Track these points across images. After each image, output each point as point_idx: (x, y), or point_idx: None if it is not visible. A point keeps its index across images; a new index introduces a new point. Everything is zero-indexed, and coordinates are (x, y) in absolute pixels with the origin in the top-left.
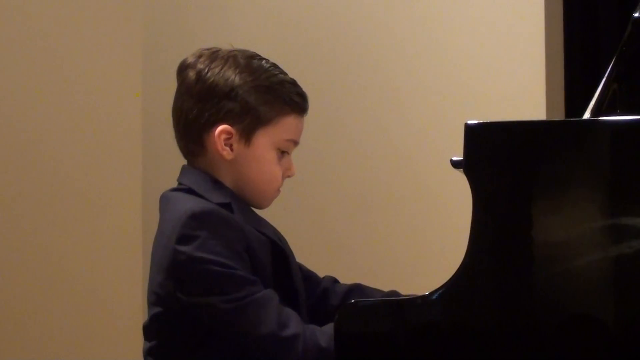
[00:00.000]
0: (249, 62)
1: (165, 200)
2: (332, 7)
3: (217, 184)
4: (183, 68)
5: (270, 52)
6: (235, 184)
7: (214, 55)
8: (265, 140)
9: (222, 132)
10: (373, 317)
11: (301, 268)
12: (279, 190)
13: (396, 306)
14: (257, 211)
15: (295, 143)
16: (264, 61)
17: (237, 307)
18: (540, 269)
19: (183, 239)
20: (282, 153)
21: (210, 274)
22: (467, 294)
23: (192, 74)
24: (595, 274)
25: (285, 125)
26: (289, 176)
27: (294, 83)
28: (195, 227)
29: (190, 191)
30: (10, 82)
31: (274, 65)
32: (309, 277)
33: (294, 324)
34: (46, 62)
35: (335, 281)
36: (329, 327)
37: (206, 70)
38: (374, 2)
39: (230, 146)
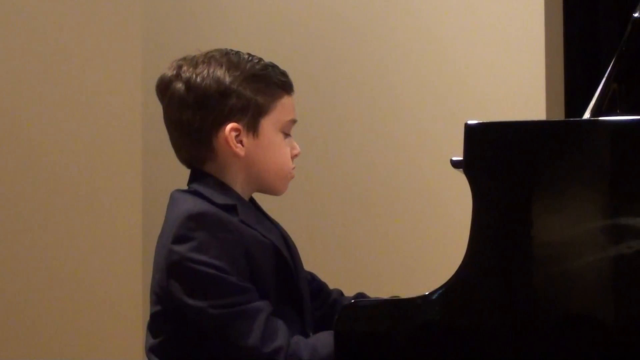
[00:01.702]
0: (229, 58)
1: (171, 200)
2: (332, 7)
3: (224, 186)
4: (166, 84)
5: (270, 52)
6: (249, 179)
7: (193, 61)
8: (270, 127)
9: (231, 130)
10: (373, 317)
11: (314, 278)
12: (292, 173)
13: (396, 306)
14: (267, 211)
15: (294, 121)
16: (240, 54)
17: (224, 315)
18: (540, 269)
19: (179, 239)
20: (285, 135)
21: (201, 276)
22: (467, 294)
23: (180, 86)
24: (595, 274)
25: (283, 107)
26: (296, 155)
27: (274, 65)
28: (192, 228)
29: (196, 193)
30: (10, 83)
31: (250, 55)
32: (320, 288)
33: (279, 338)
34: (46, 62)
35: (342, 294)
36: (315, 339)
37: (194, 77)
38: (374, 2)
39: (241, 142)
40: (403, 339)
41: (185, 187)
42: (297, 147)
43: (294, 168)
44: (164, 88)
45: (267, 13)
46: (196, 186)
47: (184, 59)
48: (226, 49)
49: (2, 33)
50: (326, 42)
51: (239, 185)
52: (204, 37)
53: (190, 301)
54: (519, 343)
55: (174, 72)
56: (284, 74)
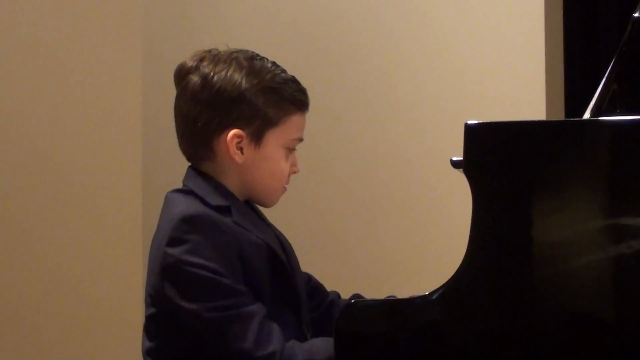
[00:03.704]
0: (252, 64)
1: (166, 202)
2: (332, 7)
3: (219, 186)
4: (184, 73)
5: (270, 52)
6: (243, 186)
7: (215, 58)
8: (274, 141)
9: (233, 136)
10: (373, 317)
11: (311, 279)
12: (285, 188)
13: (396, 306)
14: (264, 213)
15: (301, 140)
16: (264, 60)
17: (218, 318)
18: (540, 269)
19: (173, 241)
20: (289, 150)
21: (196, 278)
22: (467, 294)
23: (196, 79)
24: (595, 274)
25: (292, 124)
26: (294, 172)
27: (294, 80)
28: (186, 231)
29: (191, 193)
30: (10, 82)
31: (274, 64)
32: (317, 288)
33: (273, 342)
34: (46, 62)
35: (339, 296)
36: (311, 343)
37: (211, 74)
38: (374, 2)
39: (241, 149)
40: (403, 338)
41: (181, 185)
42: (298, 165)
43: (287, 183)
44: (181, 77)
45: (266, 14)
46: (191, 184)
47: (209, 51)
48: (252, 52)
49: (2, 33)
50: (326, 43)
51: (232, 188)
52: (204, 37)
53: (185, 304)
54: (519, 343)
55: (194, 63)
56: (302, 91)
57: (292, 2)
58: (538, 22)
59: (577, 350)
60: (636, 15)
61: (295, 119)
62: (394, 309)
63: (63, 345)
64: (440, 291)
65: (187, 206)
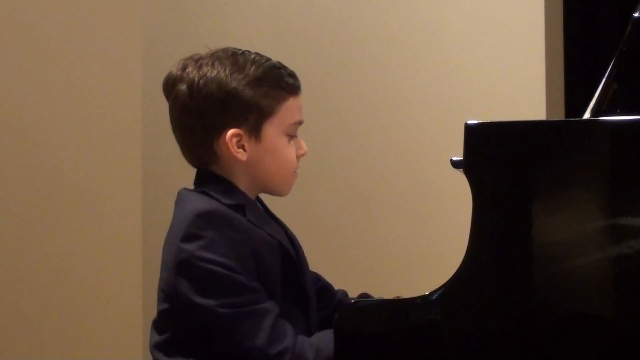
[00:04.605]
0: (234, 60)
1: (179, 198)
2: (331, 6)
3: (230, 186)
4: (171, 83)
5: (270, 52)
6: (254, 182)
7: (198, 63)
8: (273, 131)
9: (232, 136)
10: (373, 317)
11: (319, 278)
12: (296, 173)
13: (396, 306)
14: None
15: (300, 122)
16: (246, 54)
17: (232, 315)
18: (540, 269)
19: (188, 237)
20: (291, 136)
21: (210, 274)
22: (467, 294)
23: (183, 88)
24: (595, 274)
25: (288, 110)
26: (302, 155)
27: (280, 65)
28: (201, 227)
29: (204, 192)
30: (10, 82)
31: (257, 54)
32: (326, 288)
33: (285, 340)
34: (46, 62)
35: (346, 295)
36: (318, 338)
37: (197, 80)
38: (374, 2)
39: (243, 147)
40: (403, 338)
41: (191, 187)
42: (304, 146)
43: (297, 168)
44: (169, 88)
45: (267, 13)
46: (203, 187)
47: (191, 57)
48: (233, 48)
49: (2, 33)
50: (326, 42)
51: (244, 186)
52: (204, 37)
53: (199, 300)
54: (519, 343)
55: (179, 72)
56: (291, 74)
57: (293, 2)
58: (538, 22)
59: (577, 350)
60: (636, 15)
61: (289, 103)
62: (394, 309)
63: (62, 345)
64: (440, 291)
65: (202, 203)
